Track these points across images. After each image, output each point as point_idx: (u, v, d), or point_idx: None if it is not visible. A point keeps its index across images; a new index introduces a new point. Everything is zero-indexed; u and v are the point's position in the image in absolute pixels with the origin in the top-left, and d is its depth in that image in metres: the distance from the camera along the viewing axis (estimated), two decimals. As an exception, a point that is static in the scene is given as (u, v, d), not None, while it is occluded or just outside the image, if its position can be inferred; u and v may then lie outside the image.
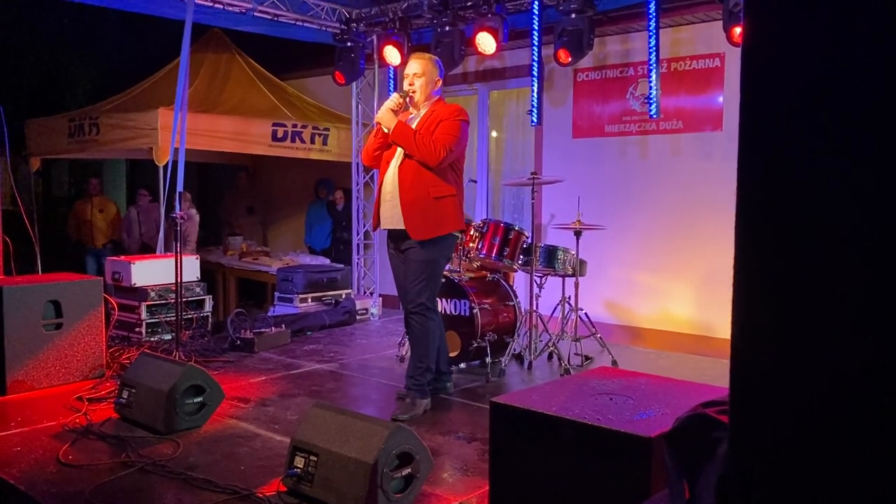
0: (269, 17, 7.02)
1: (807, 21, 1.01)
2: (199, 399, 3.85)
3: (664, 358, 5.93)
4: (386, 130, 4.12)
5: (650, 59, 5.64)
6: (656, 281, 6.43)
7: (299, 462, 2.91)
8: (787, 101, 1.03)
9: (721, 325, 5.80)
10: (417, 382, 4.22)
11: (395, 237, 4.29)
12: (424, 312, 4.18)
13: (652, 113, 5.74)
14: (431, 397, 4.34)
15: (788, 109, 1.03)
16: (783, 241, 1.03)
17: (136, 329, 6.01)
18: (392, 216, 4.18)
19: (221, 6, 6.68)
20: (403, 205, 4.10)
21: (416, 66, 4.24)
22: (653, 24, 5.58)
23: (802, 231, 1.01)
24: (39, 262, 5.69)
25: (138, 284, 6.02)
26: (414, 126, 4.18)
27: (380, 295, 7.93)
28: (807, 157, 1.01)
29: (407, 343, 5.46)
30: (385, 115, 4.11)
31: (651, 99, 5.68)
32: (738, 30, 5.36)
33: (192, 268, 6.33)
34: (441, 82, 4.33)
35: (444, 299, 5.29)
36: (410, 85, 4.21)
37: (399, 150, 4.17)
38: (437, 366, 4.45)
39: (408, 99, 4.21)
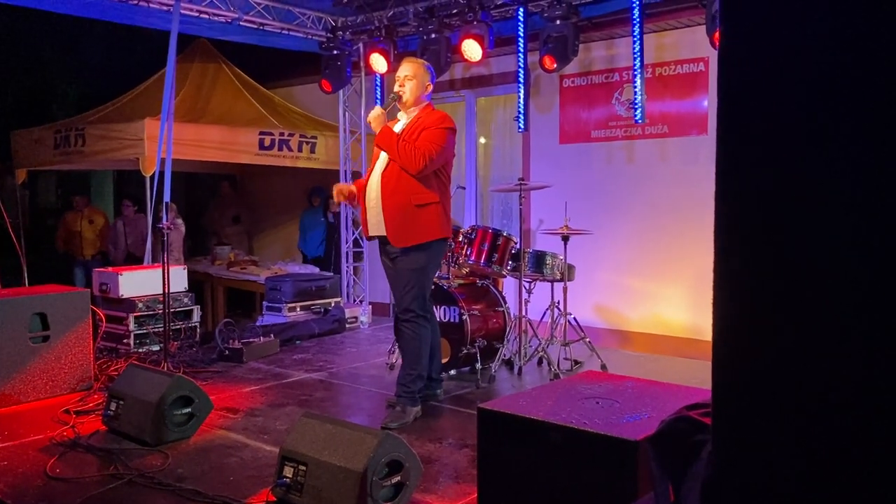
0: (255, 26, 7.02)
1: (782, 26, 1.03)
2: (187, 410, 3.84)
3: (654, 361, 5.95)
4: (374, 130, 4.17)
5: (635, 65, 5.68)
6: (645, 284, 6.46)
7: (288, 472, 2.90)
8: (763, 104, 1.05)
9: (709, 328, 5.81)
10: (408, 390, 4.21)
11: (382, 243, 4.28)
12: (415, 320, 4.17)
13: (637, 118, 5.77)
14: (422, 404, 4.34)
15: (764, 112, 1.05)
16: (760, 246, 1.04)
17: (124, 340, 5.97)
18: (377, 222, 4.18)
19: (207, 16, 6.68)
20: (385, 211, 4.11)
21: (407, 68, 4.26)
22: (637, 29, 5.62)
23: (779, 234, 1.02)
24: (26, 274, 5.66)
25: (126, 295, 5.99)
26: (400, 127, 4.21)
27: (369, 303, 7.92)
28: (783, 160, 1.02)
29: (397, 351, 5.46)
30: (375, 115, 4.13)
31: (636, 104, 5.71)
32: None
33: (179, 278, 6.30)
34: (431, 88, 4.34)
35: (434, 306, 5.29)
36: (401, 87, 4.23)
37: (383, 155, 4.18)
38: (428, 372, 4.43)
39: (397, 100, 4.24)
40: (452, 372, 5.29)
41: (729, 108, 1.09)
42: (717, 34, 5.38)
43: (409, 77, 4.22)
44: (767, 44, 1.03)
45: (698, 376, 5.10)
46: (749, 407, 1.08)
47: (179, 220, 8.28)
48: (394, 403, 4.32)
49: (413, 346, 4.20)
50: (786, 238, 1.02)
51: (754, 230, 1.05)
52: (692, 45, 6.08)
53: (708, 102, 6.05)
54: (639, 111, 5.71)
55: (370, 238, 4.32)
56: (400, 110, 4.34)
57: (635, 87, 5.70)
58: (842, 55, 0.94)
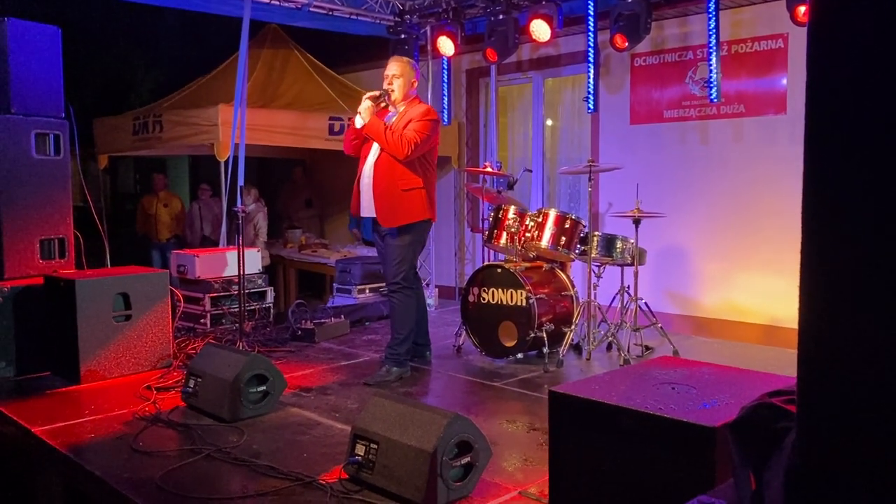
0: (324, 11, 7.10)
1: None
2: (262, 388, 3.94)
3: (728, 348, 5.81)
4: (362, 122, 4.54)
5: (710, 42, 5.51)
6: (719, 270, 6.30)
7: (360, 450, 2.95)
8: (857, 83, 1.00)
9: (786, 315, 5.64)
10: (394, 352, 4.72)
11: (374, 223, 4.76)
12: (402, 290, 4.67)
13: (712, 97, 5.61)
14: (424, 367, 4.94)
15: (858, 92, 1.00)
16: (855, 228, 1.00)
17: (201, 320, 6.17)
18: (368, 205, 4.69)
19: (278, 2, 6.79)
20: (375, 195, 4.62)
21: (394, 67, 4.70)
22: (712, 5, 5.45)
23: (873, 218, 0.98)
24: (108, 256, 5.88)
25: (202, 277, 6.19)
26: (392, 122, 4.60)
27: (436, 286, 7.97)
28: (879, 143, 0.97)
29: (464, 333, 5.50)
30: (365, 107, 4.51)
31: (711, 83, 5.56)
32: (802, 8, 5.18)
33: (254, 260, 6.47)
34: (417, 83, 4.80)
35: (499, 289, 5.28)
36: (389, 84, 4.67)
37: (376, 145, 4.62)
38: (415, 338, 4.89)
39: (386, 97, 4.63)
40: (520, 355, 5.28)
41: (820, 87, 1.04)
42: (797, 8, 5.17)
43: (397, 76, 4.66)
44: (867, 16, 0.98)
45: (774, 364, 4.96)
46: (836, 396, 1.05)
47: (261, 204, 8.51)
48: (384, 364, 4.77)
49: (400, 313, 4.70)
50: (878, 226, 0.97)
51: (846, 218, 1.01)
52: (770, 20, 5.85)
53: (787, 80, 5.83)
54: (714, 90, 5.55)
55: (358, 217, 4.86)
56: (389, 105, 4.69)
57: (710, 65, 5.53)
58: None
